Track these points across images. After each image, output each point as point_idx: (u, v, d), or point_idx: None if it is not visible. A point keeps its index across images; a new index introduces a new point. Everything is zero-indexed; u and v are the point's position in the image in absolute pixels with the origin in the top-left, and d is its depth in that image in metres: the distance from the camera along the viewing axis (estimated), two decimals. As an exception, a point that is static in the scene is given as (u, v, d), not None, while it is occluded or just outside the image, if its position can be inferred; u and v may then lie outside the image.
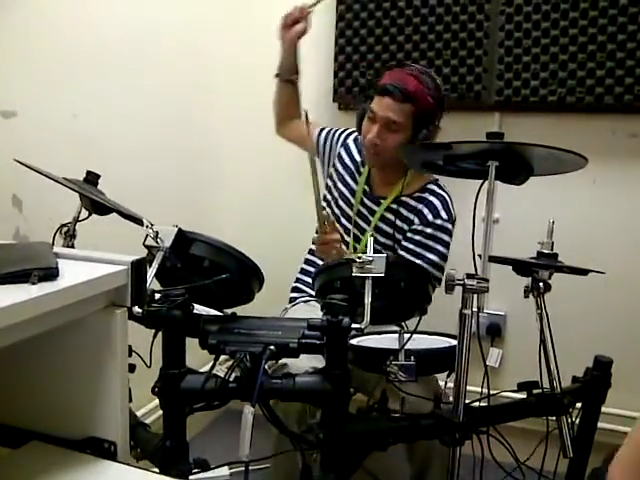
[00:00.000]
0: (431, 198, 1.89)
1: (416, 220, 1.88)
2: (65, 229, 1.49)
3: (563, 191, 2.26)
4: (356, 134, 2.04)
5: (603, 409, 1.50)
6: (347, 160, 2.06)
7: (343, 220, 2.03)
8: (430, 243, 1.84)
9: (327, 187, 2.11)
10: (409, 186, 1.92)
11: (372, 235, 1.38)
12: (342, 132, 2.13)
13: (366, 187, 2.00)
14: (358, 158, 2.04)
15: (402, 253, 1.85)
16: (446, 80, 2.37)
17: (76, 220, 1.50)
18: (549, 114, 2.31)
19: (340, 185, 2.05)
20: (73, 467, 0.85)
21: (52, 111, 1.79)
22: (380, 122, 1.80)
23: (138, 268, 0.97)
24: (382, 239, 1.94)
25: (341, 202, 2.04)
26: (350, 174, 2.04)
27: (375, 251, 1.31)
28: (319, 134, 2.14)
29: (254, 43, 2.61)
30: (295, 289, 2.12)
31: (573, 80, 2.22)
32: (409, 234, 1.89)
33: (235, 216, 2.65)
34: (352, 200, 2.02)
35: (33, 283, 0.83)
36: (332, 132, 2.14)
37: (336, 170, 2.08)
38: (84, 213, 1.52)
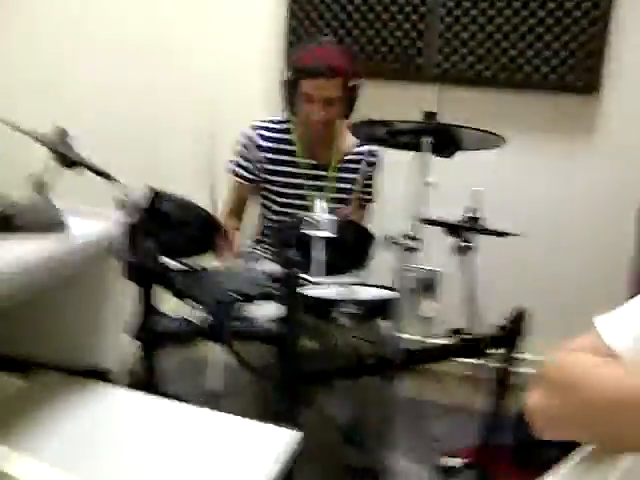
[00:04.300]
0: (369, 148, 2.16)
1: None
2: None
3: (492, 162, 2.42)
4: (253, 125, 2.13)
5: (522, 355, 1.67)
6: (275, 155, 2.13)
7: (296, 201, 2.13)
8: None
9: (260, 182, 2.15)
10: (343, 144, 2.16)
11: (322, 199, 1.55)
12: (249, 143, 2.12)
13: (310, 161, 2.15)
14: (280, 146, 2.13)
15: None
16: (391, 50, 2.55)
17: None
18: (484, 88, 2.51)
19: (277, 177, 2.14)
20: (77, 390, 1.01)
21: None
22: (318, 101, 1.97)
23: (127, 223, 1.10)
24: (345, 196, 2.17)
25: (285, 189, 2.13)
26: (283, 162, 2.14)
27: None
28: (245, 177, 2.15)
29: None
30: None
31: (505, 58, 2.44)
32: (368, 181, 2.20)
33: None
34: (296, 181, 2.13)
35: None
36: (246, 157, 2.14)
37: (267, 169, 2.13)
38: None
